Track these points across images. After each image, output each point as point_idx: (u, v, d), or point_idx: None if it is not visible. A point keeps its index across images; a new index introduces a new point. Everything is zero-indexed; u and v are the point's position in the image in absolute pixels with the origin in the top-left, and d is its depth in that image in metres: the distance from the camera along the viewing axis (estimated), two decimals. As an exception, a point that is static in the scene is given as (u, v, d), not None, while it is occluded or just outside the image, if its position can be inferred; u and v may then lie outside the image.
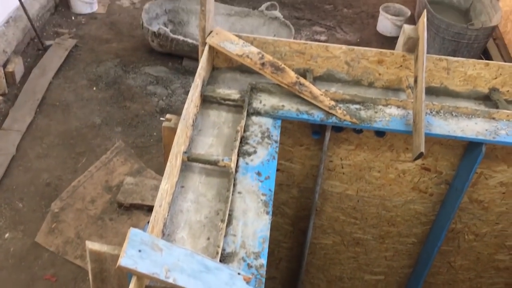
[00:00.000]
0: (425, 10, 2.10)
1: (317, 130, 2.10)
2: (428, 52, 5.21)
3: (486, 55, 5.03)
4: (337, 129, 2.10)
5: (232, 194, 1.59)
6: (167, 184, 1.41)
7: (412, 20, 5.49)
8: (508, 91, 2.14)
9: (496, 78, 2.10)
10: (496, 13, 4.86)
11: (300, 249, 2.64)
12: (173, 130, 1.56)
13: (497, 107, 2.07)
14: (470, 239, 2.53)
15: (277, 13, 4.71)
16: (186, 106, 1.68)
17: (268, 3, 4.76)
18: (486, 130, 1.96)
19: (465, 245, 2.56)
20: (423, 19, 2.05)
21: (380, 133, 2.10)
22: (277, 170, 2.32)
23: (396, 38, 5.43)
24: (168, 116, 1.75)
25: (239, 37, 2.07)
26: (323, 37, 5.30)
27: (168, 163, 1.44)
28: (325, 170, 2.29)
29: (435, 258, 2.60)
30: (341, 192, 2.39)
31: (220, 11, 4.81)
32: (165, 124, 1.71)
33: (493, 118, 2.01)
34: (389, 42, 5.22)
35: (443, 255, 2.61)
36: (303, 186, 2.38)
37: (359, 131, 2.10)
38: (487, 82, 2.12)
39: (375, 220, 2.49)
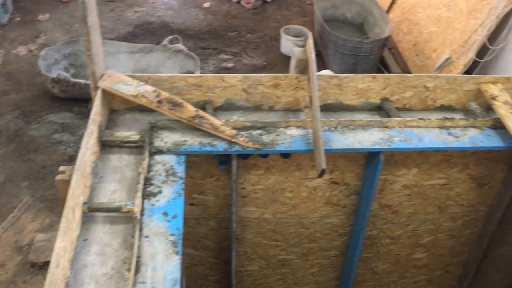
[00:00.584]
0: (310, 33, 2.19)
1: (224, 160, 2.11)
2: (331, 68, 5.42)
3: (384, 64, 5.34)
4: (244, 156, 2.12)
5: (139, 239, 1.54)
6: (63, 241, 1.34)
7: (313, 39, 5.73)
8: (397, 99, 2.27)
9: (384, 88, 2.22)
10: (386, 24, 5.20)
11: (228, 280, 2.61)
12: (69, 183, 1.50)
13: (389, 116, 2.19)
14: (387, 243, 2.63)
15: (180, 46, 4.72)
16: (80, 155, 1.62)
17: (171, 36, 4.77)
18: (381, 139, 2.06)
19: (384, 250, 2.65)
20: (309, 41, 2.14)
21: (285, 155, 2.15)
22: (192, 204, 2.30)
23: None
24: (61, 168, 1.68)
25: (133, 77, 2.04)
26: (230, 64, 5.38)
27: (63, 219, 1.37)
28: (239, 198, 2.30)
29: (358, 266, 2.67)
30: (258, 217, 2.40)
31: (122, 50, 4.75)
32: (58, 177, 1.64)
33: (387, 127, 2.12)
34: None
35: (365, 262, 2.69)
36: (220, 216, 2.37)
37: (265, 156, 2.14)
38: (377, 93, 2.24)
39: (295, 239, 2.52)
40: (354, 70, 4.92)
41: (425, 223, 2.55)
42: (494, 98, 2.18)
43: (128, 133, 1.92)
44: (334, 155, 2.21)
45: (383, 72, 5.11)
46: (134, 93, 1.95)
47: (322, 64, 5.36)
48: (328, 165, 2.26)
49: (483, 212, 2.53)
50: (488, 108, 2.24)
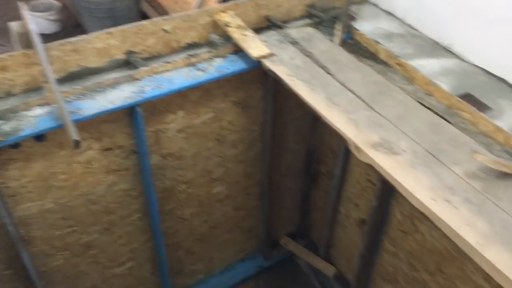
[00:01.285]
0: (24, 4, 2.00)
1: (-33, 165, 1.86)
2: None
3: (147, 19, 5.26)
4: (-9, 153, 1.90)
5: None
6: None
7: (66, 10, 5.35)
8: (143, 49, 2.24)
9: (124, 42, 2.17)
10: (136, -21, 5.08)
11: (35, 285, 2.41)
12: None
13: (136, 68, 2.15)
14: (184, 189, 2.68)
15: None
16: None
17: None
18: (133, 92, 2.03)
19: (184, 196, 2.71)
20: (25, 12, 1.96)
21: (39, 138, 1.99)
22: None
23: (56, 33, 5.20)
24: None
25: None
26: (-21, 59, 4.74)
27: None
28: (7, 198, 2.08)
29: (164, 220, 2.70)
30: (39, 210, 2.22)
31: None
32: None
33: (137, 79, 2.09)
34: (53, 39, 4.99)
35: (170, 214, 2.72)
36: (-5, 225, 2.13)
37: (15, 146, 1.95)
38: (119, 48, 2.17)
39: (91, 217, 2.42)
40: (117, 32, 4.74)
41: (211, 158, 2.65)
42: (227, 25, 2.30)
43: None
44: (95, 122, 2.12)
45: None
46: None
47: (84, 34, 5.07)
48: (93, 133, 2.17)
49: (257, 132, 2.73)
50: (229, 37, 2.35)
